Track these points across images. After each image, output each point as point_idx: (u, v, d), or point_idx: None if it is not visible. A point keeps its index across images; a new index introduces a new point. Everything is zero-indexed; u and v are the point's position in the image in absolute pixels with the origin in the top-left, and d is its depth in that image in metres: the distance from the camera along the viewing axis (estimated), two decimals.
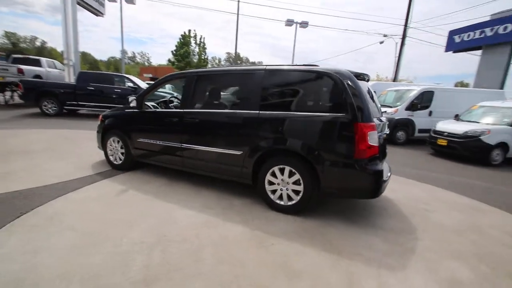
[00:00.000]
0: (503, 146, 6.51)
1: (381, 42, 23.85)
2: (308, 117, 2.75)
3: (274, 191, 3.03)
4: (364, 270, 2.09)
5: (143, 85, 10.81)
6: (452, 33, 18.35)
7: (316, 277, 1.96)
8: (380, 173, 2.59)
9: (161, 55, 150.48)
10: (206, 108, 3.44)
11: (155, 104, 4.32)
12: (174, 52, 30.70)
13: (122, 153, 4.20)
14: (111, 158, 4.33)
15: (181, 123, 3.47)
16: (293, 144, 2.80)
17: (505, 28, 15.28)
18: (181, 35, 30.29)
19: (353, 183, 2.66)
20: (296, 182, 2.87)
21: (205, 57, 31.59)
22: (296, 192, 2.90)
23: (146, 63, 68.48)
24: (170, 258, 2.07)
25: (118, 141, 4.18)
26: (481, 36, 16.48)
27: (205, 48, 31.74)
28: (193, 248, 2.23)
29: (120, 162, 4.24)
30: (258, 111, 2.99)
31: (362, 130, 2.53)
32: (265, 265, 2.07)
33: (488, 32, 16.19)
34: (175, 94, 10.28)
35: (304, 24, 19.12)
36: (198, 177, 3.95)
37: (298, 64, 3.06)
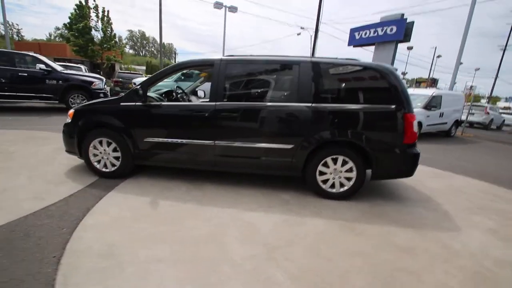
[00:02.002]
0: (418, 124, 8.48)
1: (298, 34, 26.00)
2: (363, 109, 2.94)
3: (324, 181, 3.14)
4: (431, 233, 2.52)
5: (59, 68, 8.54)
6: (353, 30, 21.65)
7: (417, 247, 2.25)
8: (419, 155, 3.06)
9: (36, 27, 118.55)
10: (245, 100, 3.14)
11: (159, 96, 3.61)
12: (68, 25, 24.79)
13: (116, 158, 3.38)
14: (97, 165, 3.43)
15: (215, 118, 3.06)
16: (350, 135, 2.95)
17: (391, 30, 19.10)
18: (76, 5, 24.57)
19: (400, 165, 3.06)
20: (348, 170, 3.07)
21: (112, 34, 26.85)
22: (348, 179, 3.11)
23: (16, 37, 52.60)
24: (303, 264, 1.95)
25: (110, 143, 3.33)
26: (375, 34, 20.06)
27: (111, 23, 26.89)
28: (308, 249, 2.14)
29: (114, 168, 3.41)
30: (311, 104, 2.97)
31: (410, 119, 2.92)
32: (384, 249, 2.21)
33: (380, 31, 19.86)
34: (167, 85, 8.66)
35: (233, 9, 18.75)
36: (217, 176, 3.63)
37: (339, 58, 3.17)
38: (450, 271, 2.01)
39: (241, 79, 3.24)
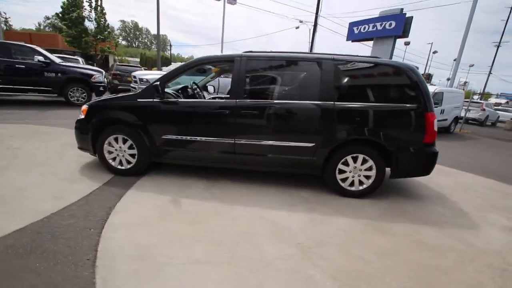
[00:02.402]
0: None
1: (297, 27, 25.79)
2: (385, 108, 2.94)
3: (343, 179, 3.15)
4: (453, 231, 2.56)
5: (57, 60, 8.30)
6: (352, 24, 21.57)
7: (443, 245, 2.29)
8: (437, 154, 3.09)
9: (24, 16, 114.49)
10: (266, 98, 3.10)
11: (175, 93, 3.53)
12: (61, 15, 24.01)
13: (132, 155, 3.32)
14: (112, 162, 3.36)
15: (236, 115, 3.02)
16: (372, 133, 2.96)
17: (390, 25, 19.06)
18: None
19: (420, 163, 3.09)
20: (367, 169, 3.08)
21: (106, 24, 26.15)
22: (367, 177, 3.12)
23: (4, 27, 50.76)
24: (338, 264, 1.96)
25: (125, 140, 3.26)
26: (373, 29, 20.01)
27: (104, 14, 26.16)
28: (340, 249, 2.15)
29: (130, 166, 3.35)
30: (333, 102, 2.95)
31: (430, 118, 2.93)
32: (413, 248, 2.24)
33: (378, 26, 19.82)
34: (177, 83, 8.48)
35: (232, 1, 18.41)
36: (232, 172, 3.60)
37: (361, 56, 3.15)
38: (479, 269, 2.06)
39: (262, 76, 3.19)
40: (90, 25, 25.32)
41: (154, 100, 3.13)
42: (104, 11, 25.83)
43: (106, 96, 3.53)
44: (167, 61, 34.74)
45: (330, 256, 2.06)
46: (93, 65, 15.32)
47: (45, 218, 2.30)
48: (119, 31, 73.36)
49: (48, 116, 6.71)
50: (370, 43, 21.50)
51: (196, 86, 4.00)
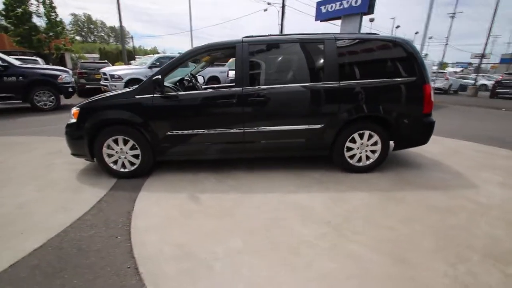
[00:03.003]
0: None
1: (265, 10, 25.38)
2: (387, 83, 3.04)
3: (351, 156, 3.27)
4: (457, 192, 2.80)
5: (16, 62, 7.50)
6: (319, 4, 21.57)
7: (454, 206, 2.49)
8: (434, 123, 3.28)
9: None
10: (272, 83, 3.05)
11: (174, 86, 3.36)
12: (4, 12, 21.40)
13: (135, 156, 3.16)
14: (114, 166, 3.18)
15: (243, 103, 2.96)
16: (377, 109, 3.06)
17: (356, 2, 19.40)
18: None
19: (420, 134, 3.27)
20: (373, 144, 3.22)
21: (58, 19, 23.80)
22: (373, 152, 3.26)
23: None
24: (371, 235, 2.06)
25: (126, 141, 3.09)
26: (340, 7, 20.20)
27: (54, 7, 23.75)
28: (368, 221, 2.25)
29: (134, 167, 3.19)
30: (338, 82, 3.00)
31: (428, 89, 3.09)
32: (429, 212, 2.41)
33: (345, 4, 20.03)
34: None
35: None
36: (240, 162, 3.59)
37: (360, 33, 3.18)
38: (491, 222, 2.27)
39: (265, 61, 3.13)
40: (40, 21, 22.94)
41: (155, 95, 2.96)
42: (53, 5, 23.43)
43: (96, 96, 3.27)
44: (130, 54, 32.71)
45: (362, 229, 2.16)
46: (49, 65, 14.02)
47: (61, 232, 2.15)
48: (71, 25, 67.27)
49: (17, 125, 6.12)
50: (338, 22, 21.77)
51: (193, 77, 3.84)
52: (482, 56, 19.54)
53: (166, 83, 3.26)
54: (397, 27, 37.45)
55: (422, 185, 3.00)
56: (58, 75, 7.96)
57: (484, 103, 12.54)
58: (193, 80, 3.80)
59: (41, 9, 22.72)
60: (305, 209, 2.47)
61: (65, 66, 20.29)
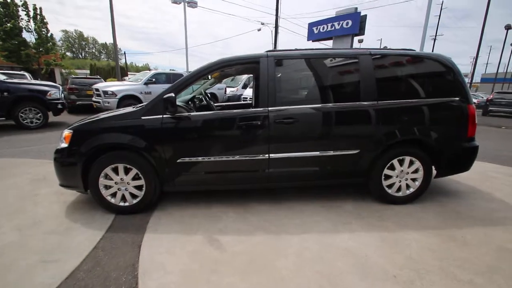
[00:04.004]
0: None
1: (259, 30, 25.80)
2: (430, 103, 2.70)
3: (389, 185, 2.86)
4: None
5: (1, 77, 6.93)
6: (311, 25, 22.09)
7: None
8: (478, 147, 2.94)
9: None
10: (302, 103, 2.66)
11: (185, 105, 2.93)
12: None
13: (138, 187, 2.65)
14: (112, 199, 2.66)
15: (269, 126, 2.55)
16: (419, 132, 2.70)
17: (347, 23, 19.90)
18: (0, 2, 20.69)
19: (464, 159, 2.91)
20: (414, 171, 2.83)
21: (49, 34, 23.35)
22: (413, 180, 2.87)
23: None
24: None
25: (128, 169, 2.59)
26: (332, 28, 20.71)
27: (46, 23, 23.35)
28: (440, 274, 1.81)
29: (136, 201, 2.67)
30: (376, 102, 2.64)
31: (472, 111, 2.77)
32: (504, 258, 1.99)
33: (336, 26, 20.55)
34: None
35: (192, 4, 17.54)
36: (257, 192, 3.12)
37: (397, 48, 2.89)
38: None
39: (293, 78, 2.76)
40: (30, 36, 22.44)
41: (165, 116, 2.51)
42: (45, 21, 23.08)
43: (95, 116, 2.79)
44: (122, 71, 32.35)
45: (439, 286, 1.70)
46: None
47: None
48: (61, 41, 66.81)
49: None
50: (330, 42, 22.26)
51: (206, 95, 3.41)
52: (472, 76, 20.17)
53: (177, 102, 2.82)
54: (384, 47, 38.76)
55: (475, 220, 2.60)
56: (47, 91, 7.41)
57: (481, 121, 12.61)
58: (206, 98, 3.37)
59: (32, 25, 22.30)
60: (357, 257, 2.00)
61: (54, 81, 19.62)
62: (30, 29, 22.33)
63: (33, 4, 22.32)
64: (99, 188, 2.61)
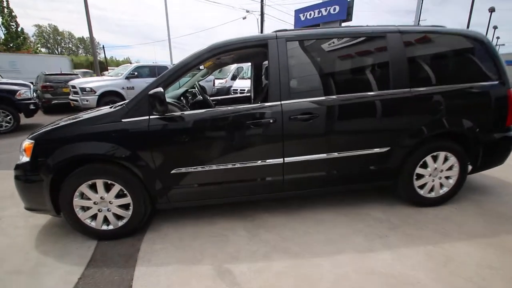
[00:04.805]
0: None
1: (244, 18, 24.88)
2: (469, 89, 2.30)
3: (421, 186, 2.47)
4: None
5: None
6: (298, 11, 21.42)
7: None
8: None
9: None
10: (319, 94, 2.17)
11: (177, 102, 2.40)
12: None
13: (123, 206, 2.15)
14: (92, 222, 2.15)
15: (283, 124, 2.07)
16: (457, 123, 2.30)
17: (335, 9, 19.40)
18: None
19: (501, 152, 2.55)
20: (448, 168, 2.45)
21: (19, 29, 21.71)
22: (447, 178, 2.49)
23: None
24: None
25: (109, 186, 2.08)
26: (319, 15, 20.16)
27: (14, 17, 21.64)
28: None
29: (122, 222, 2.17)
30: (409, 89, 2.21)
31: None
32: None
33: (324, 12, 20.02)
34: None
35: None
36: (266, 202, 2.68)
37: (426, 25, 2.44)
38: None
39: (310, 63, 2.27)
40: None
41: (152, 117, 1.99)
42: (13, 14, 21.39)
43: (63, 120, 2.24)
44: (102, 65, 30.77)
45: None
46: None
47: None
48: (35, 37, 62.88)
49: None
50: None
51: (201, 89, 2.86)
52: None
53: (167, 99, 2.29)
54: None
55: None
56: (16, 90, 6.61)
57: None
58: (201, 92, 2.82)
59: None
60: (408, 285, 1.59)
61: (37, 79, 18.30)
62: None
63: None
64: (74, 210, 2.08)
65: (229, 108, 2.13)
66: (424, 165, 2.40)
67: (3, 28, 20.62)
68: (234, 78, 11.34)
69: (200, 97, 2.99)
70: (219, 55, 2.17)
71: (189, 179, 2.13)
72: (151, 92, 1.87)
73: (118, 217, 2.17)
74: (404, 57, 2.19)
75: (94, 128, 2.01)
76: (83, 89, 8.23)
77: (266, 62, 2.76)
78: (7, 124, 6.56)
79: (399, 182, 2.43)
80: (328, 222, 2.30)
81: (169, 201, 2.19)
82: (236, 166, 2.12)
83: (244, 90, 9.33)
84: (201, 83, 10.02)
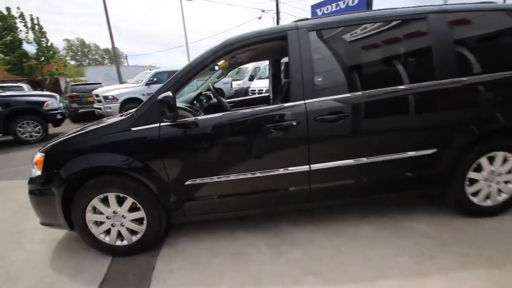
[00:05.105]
0: None
1: (259, 18, 24.69)
2: None
3: (475, 193, 2.09)
4: None
5: None
6: (314, 7, 20.78)
7: None
8: None
9: None
10: (352, 89, 1.89)
11: (189, 106, 2.23)
12: None
13: (137, 220, 1.99)
14: (106, 237, 2.02)
15: (308, 127, 1.81)
16: None
17: (353, 1, 18.64)
18: None
19: None
20: (509, 171, 2.05)
21: (49, 44, 23.06)
22: (506, 183, 2.09)
23: None
24: None
25: (122, 199, 1.93)
26: (337, 8, 19.47)
27: (44, 32, 23.02)
28: None
29: (137, 238, 2.03)
30: (459, 79, 1.86)
31: None
32: None
33: (342, 5, 19.25)
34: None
35: None
36: (287, 215, 2.42)
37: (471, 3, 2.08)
38: None
39: (338, 55, 1.99)
40: (31, 47, 22.22)
41: (163, 124, 1.82)
42: (43, 30, 22.74)
43: (72, 131, 2.14)
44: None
45: None
46: (42, 91, 13.02)
47: None
48: (65, 50, 67.20)
49: None
50: None
51: (215, 91, 2.67)
52: None
53: (178, 103, 2.12)
54: None
55: None
56: (43, 102, 6.89)
57: None
58: (216, 95, 2.62)
59: (31, 35, 22.03)
60: None
61: (59, 90, 19.40)
62: (30, 40, 22.08)
63: (30, 15, 22.03)
64: (86, 225, 1.97)
65: (246, 110, 1.91)
66: (478, 168, 2.03)
67: (34, 44, 21.96)
68: (251, 78, 11.16)
69: (214, 100, 2.79)
70: (233, 52, 1.95)
71: (204, 190, 1.93)
72: (160, 97, 1.69)
73: (132, 232, 2.02)
74: (451, 41, 1.84)
75: (102, 139, 1.87)
76: (106, 97, 8.44)
77: (284, 59, 2.52)
78: (36, 134, 6.85)
79: (448, 189, 2.07)
80: (364, 238, 2.00)
81: (184, 215, 2.01)
82: (256, 175, 1.89)
83: (262, 90, 9.12)
84: (218, 84, 9.96)
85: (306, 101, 1.81)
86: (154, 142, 1.83)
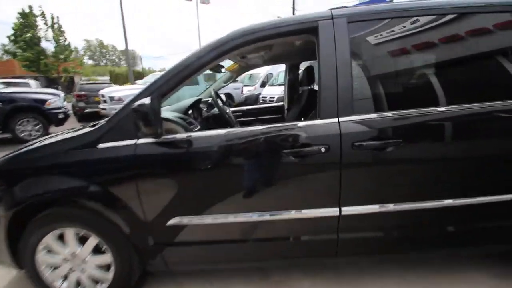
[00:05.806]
0: None
1: None
2: None
3: None
4: None
5: None
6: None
7: None
8: None
9: None
10: (406, 105, 1.35)
11: (182, 117, 1.74)
12: (14, 38, 21.12)
13: (103, 267, 1.48)
14: (63, 284, 1.51)
15: (341, 156, 1.27)
16: None
17: None
18: (19, 13, 20.94)
19: None
20: None
21: (67, 42, 23.47)
22: None
23: None
24: None
25: (83, 238, 1.43)
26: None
27: (63, 32, 23.46)
28: None
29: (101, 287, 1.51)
30: None
31: None
32: None
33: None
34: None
35: (205, 0, 16.52)
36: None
37: None
38: None
39: (392, 57, 1.44)
40: (49, 45, 22.69)
41: (142, 141, 1.32)
42: (62, 29, 23.20)
43: (26, 146, 1.67)
44: (139, 76, 32.31)
45: None
46: (57, 89, 12.96)
47: None
48: (84, 50, 69.09)
49: None
50: None
51: (217, 99, 2.13)
52: None
53: (167, 114, 1.62)
54: None
55: None
56: (46, 100, 6.62)
57: None
58: (217, 105, 2.06)
59: (50, 33, 22.50)
60: None
61: (72, 89, 19.59)
62: (48, 38, 22.53)
63: (51, 13, 22.56)
64: (37, 268, 1.48)
65: (257, 128, 1.38)
66: None
67: (53, 42, 22.38)
68: (263, 85, 10.70)
69: (216, 110, 2.24)
70: (242, 48, 1.43)
71: (194, 234, 1.42)
72: (135, 105, 1.19)
73: (96, 282, 1.52)
74: None
75: (62, 158, 1.39)
76: (111, 98, 8.14)
77: (304, 63, 2.01)
78: (36, 133, 6.56)
79: None
80: None
81: (165, 264, 1.49)
82: (265, 218, 1.36)
83: (274, 98, 8.64)
84: (228, 89, 9.46)
85: (341, 119, 1.28)
86: (127, 166, 1.33)
